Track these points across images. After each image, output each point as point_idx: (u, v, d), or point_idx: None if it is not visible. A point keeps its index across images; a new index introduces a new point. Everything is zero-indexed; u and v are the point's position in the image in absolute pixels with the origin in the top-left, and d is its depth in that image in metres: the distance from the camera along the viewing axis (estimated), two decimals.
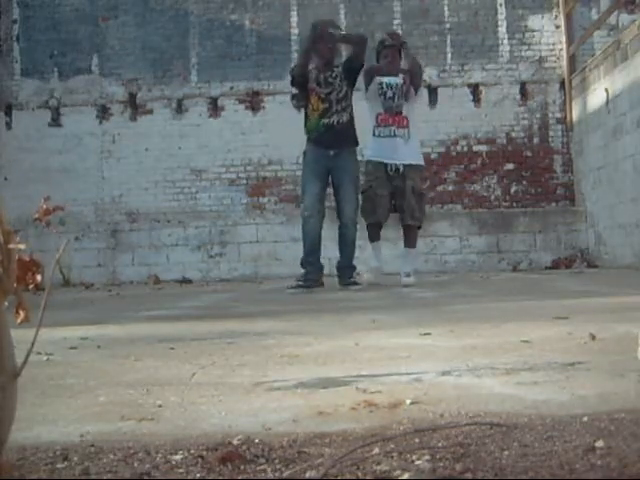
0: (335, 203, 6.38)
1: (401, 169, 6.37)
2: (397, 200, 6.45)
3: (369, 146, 6.54)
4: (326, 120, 6.27)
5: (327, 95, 6.30)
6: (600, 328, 2.40)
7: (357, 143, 6.40)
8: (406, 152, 6.42)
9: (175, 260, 10.12)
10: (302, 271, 6.24)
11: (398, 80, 6.52)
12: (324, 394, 1.55)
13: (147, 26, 10.65)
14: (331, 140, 6.25)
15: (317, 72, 6.38)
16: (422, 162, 6.73)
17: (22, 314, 0.99)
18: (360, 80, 6.50)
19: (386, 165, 6.39)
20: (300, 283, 6.10)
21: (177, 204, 10.47)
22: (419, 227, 6.63)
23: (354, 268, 6.40)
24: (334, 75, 6.36)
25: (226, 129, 10.50)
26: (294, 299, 5.22)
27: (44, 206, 1.04)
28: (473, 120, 10.40)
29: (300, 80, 6.39)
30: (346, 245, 6.40)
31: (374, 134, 6.47)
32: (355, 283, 6.23)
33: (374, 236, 6.57)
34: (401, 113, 6.46)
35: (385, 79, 6.52)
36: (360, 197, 6.44)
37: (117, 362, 2.17)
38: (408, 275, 6.44)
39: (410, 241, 6.61)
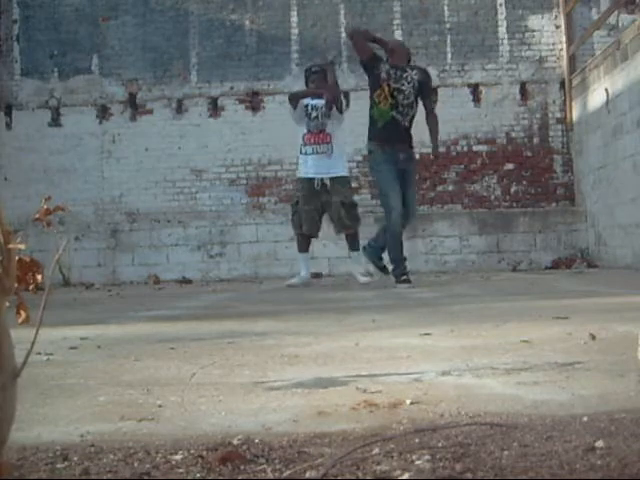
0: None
1: (328, 184, 6.95)
2: (328, 213, 7.05)
3: (299, 163, 7.23)
4: (394, 113, 6.28)
5: (393, 93, 6.28)
6: (600, 328, 2.40)
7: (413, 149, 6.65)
8: (330, 165, 7.00)
9: (175, 260, 10.12)
10: (397, 268, 6.38)
11: (322, 101, 7.07)
12: (324, 394, 1.55)
13: (147, 26, 10.65)
14: (398, 140, 6.30)
15: (389, 69, 6.38)
16: (346, 173, 7.25)
17: (23, 314, 0.99)
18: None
19: (313, 181, 6.99)
20: (405, 278, 6.25)
21: (177, 204, 10.47)
22: (355, 232, 7.09)
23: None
24: (408, 79, 6.36)
25: (226, 129, 10.50)
26: (294, 299, 5.22)
27: (45, 206, 1.04)
28: (473, 120, 10.40)
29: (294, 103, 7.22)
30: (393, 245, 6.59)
31: (300, 152, 7.14)
32: (409, 281, 6.24)
33: (302, 247, 7.18)
34: (324, 131, 7.08)
35: (312, 102, 7.14)
36: (290, 211, 7.27)
37: (117, 362, 2.17)
38: (365, 275, 6.79)
39: (352, 245, 7.09)
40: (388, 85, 6.31)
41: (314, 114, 7.11)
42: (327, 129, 7.08)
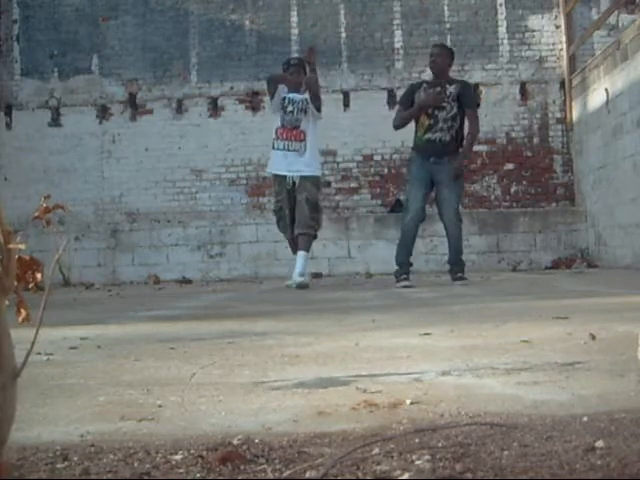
0: (436, 205, 6.77)
1: (297, 182, 6.75)
2: (294, 211, 6.84)
3: (271, 158, 7.05)
4: (429, 135, 6.58)
5: (434, 112, 6.57)
6: (600, 328, 2.40)
7: (458, 153, 6.67)
8: (300, 164, 6.79)
9: (175, 260, 10.12)
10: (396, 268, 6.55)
11: (301, 96, 6.87)
12: (324, 394, 1.55)
13: (147, 26, 10.65)
14: (431, 152, 6.58)
15: (428, 88, 6.66)
16: (318, 173, 7.05)
17: (23, 313, 0.99)
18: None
19: (285, 178, 6.81)
20: (405, 281, 6.35)
21: (177, 204, 10.48)
22: (314, 236, 6.96)
23: (463, 264, 6.67)
24: (447, 94, 6.58)
25: (226, 129, 10.50)
26: (294, 299, 5.22)
27: (44, 204, 1.04)
28: None
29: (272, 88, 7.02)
30: (449, 243, 6.75)
31: (273, 147, 6.95)
32: (462, 278, 6.47)
33: (294, 249, 6.98)
34: (298, 127, 6.83)
35: (290, 95, 6.89)
36: (274, 215, 7.15)
37: (117, 362, 2.17)
38: (301, 275, 6.60)
39: (302, 245, 6.82)
40: (425, 112, 6.62)
41: (290, 108, 6.85)
42: (302, 126, 6.82)
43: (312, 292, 5.94)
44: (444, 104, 6.56)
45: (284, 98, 6.86)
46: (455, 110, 6.60)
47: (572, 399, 1.40)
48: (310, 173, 6.86)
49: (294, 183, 6.76)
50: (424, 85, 6.75)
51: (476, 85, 10.46)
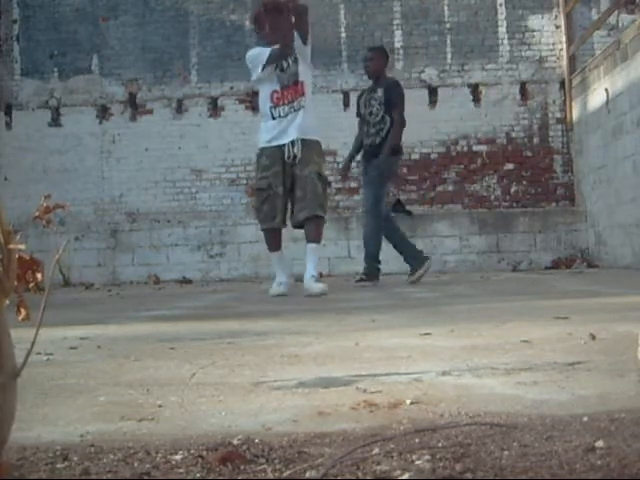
0: None
1: (298, 152, 5.53)
2: (295, 189, 5.59)
3: (263, 131, 5.73)
4: (365, 141, 6.80)
5: (367, 118, 6.75)
6: (600, 328, 2.40)
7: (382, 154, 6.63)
8: (301, 126, 5.59)
9: (175, 260, 10.12)
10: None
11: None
12: (324, 394, 1.55)
13: (147, 26, 10.65)
14: (366, 156, 6.84)
15: (367, 94, 6.84)
16: (319, 136, 5.80)
17: (23, 312, 0.99)
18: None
19: (283, 148, 5.57)
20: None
21: (177, 204, 10.47)
22: (324, 219, 5.79)
23: (368, 265, 6.63)
24: (376, 98, 6.74)
25: (226, 129, 10.50)
26: (294, 299, 5.21)
27: (44, 204, 1.04)
28: (473, 120, 10.40)
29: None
30: (363, 241, 6.81)
31: (272, 117, 5.63)
32: (361, 280, 6.59)
33: (275, 244, 5.75)
34: (298, 80, 5.68)
35: (274, 48, 5.70)
36: (255, 197, 5.92)
37: (117, 362, 2.17)
38: (317, 280, 5.54)
39: (317, 235, 5.64)
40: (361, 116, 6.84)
41: (285, 63, 5.69)
42: (300, 77, 5.68)
43: (383, 287, 5.93)
44: (372, 109, 6.71)
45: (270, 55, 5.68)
46: (382, 113, 6.72)
47: (572, 399, 1.40)
48: (314, 136, 5.70)
49: (295, 156, 5.54)
50: (364, 93, 6.97)
51: (476, 85, 10.48)
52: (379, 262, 6.75)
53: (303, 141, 5.58)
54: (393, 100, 6.74)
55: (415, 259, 6.70)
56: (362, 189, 7.09)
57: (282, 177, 5.57)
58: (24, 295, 0.99)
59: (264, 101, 5.72)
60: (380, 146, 6.66)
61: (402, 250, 6.75)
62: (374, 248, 6.61)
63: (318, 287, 5.40)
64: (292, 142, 5.55)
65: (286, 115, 5.61)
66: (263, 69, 5.65)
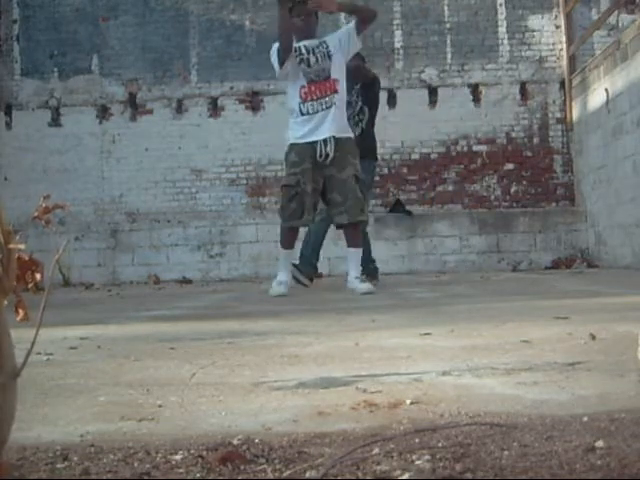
0: None
1: (331, 154, 5.31)
2: (329, 192, 5.42)
3: (293, 127, 5.53)
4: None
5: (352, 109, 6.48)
6: (600, 328, 2.40)
7: (365, 155, 6.09)
8: (336, 123, 5.40)
9: (175, 260, 10.12)
10: None
11: (316, 41, 5.55)
12: (324, 394, 1.55)
13: (147, 26, 10.65)
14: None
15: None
16: (351, 133, 5.63)
17: (21, 312, 0.99)
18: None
19: (315, 146, 5.36)
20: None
21: (177, 204, 10.48)
22: (367, 223, 5.77)
23: (303, 263, 6.32)
24: (353, 92, 6.45)
25: (226, 129, 10.50)
26: (294, 299, 5.22)
27: (43, 204, 1.04)
28: (473, 120, 10.40)
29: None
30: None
31: (301, 113, 5.42)
32: (296, 279, 6.15)
33: (289, 242, 5.57)
34: (329, 77, 5.42)
35: (302, 43, 5.51)
36: (282, 194, 5.58)
37: (117, 362, 2.17)
38: (363, 280, 5.51)
39: (355, 240, 5.53)
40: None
41: (312, 59, 5.44)
42: (332, 74, 5.42)
43: (312, 292, 5.94)
44: (351, 98, 6.38)
45: (297, 49, 5.47)
46: (361, 103, 6.52)
47: (572, 399, 1.40)
48: (346, 133, 5.48)
49: (327, 156, 5.32)
50: None
51: (476, 85, 10.48)
52: (374, 261, 6.66)
53: (337, 140, 5.37)
54: (369, 94, 6.58)
55: (307, 265, 6.37)
56: None
57: (312, 175, 5.36)
58: (22, 295, 0.99)
59: (292, 97, 5.50)
60: (361, 137, 6.23)
61: (308, 249, 6.38)
62: (366, 247, 6.35)
63: (365, 286, 5.32)
64: (324, 140, 5.34)
65: (316, 112, 5.38)
66: (281, 66, 5.47)
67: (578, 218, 10.02)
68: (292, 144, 5.47)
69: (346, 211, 5.38)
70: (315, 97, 5.39)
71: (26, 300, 1.01)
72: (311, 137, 5.36)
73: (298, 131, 5.43)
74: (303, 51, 5.46)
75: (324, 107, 5.37)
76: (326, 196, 5.48)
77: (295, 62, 5.45)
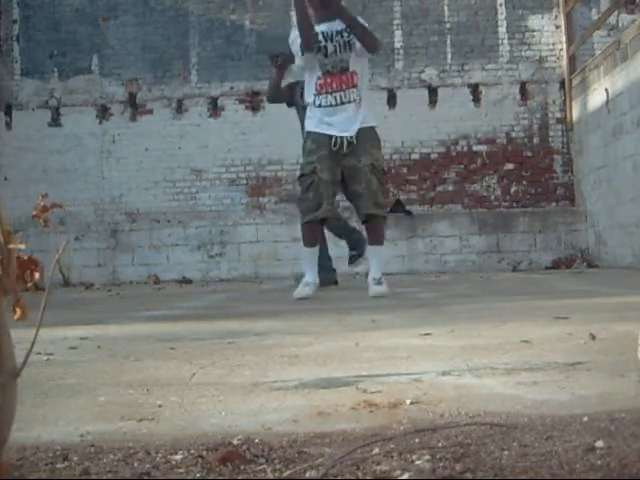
0: None
1: (351, 142, 5.01)
2: (350, 184, 5.11)
3: (310, 117, 5.20)
4: None
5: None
6: (600, 328, 2.40)
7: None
8: (356, 119, 5.07)
9: (175, 260, 10.12)
10: None
11: (337, 26, 5.09)
12: (324, 394, 1.55)
13: (147, 26, 10.66)
14: None
15: None
16: (375, 123, 5.26)
17: (19, 312, 0.99)
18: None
19: (330, 137, 5.04)
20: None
21: (177, 204, 10.48)
22: (384, 217, 5.29)
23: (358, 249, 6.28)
24: None
25: (226, 129, 10.50)
26: (294, 299, 5.21)
27: (42, 203, 1.04)
28: (473, 120, 10.40)
29: None
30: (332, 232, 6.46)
31: (316, 105, 5.11)
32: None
33: (311, 239, 5.18)
34: (348, 69, 5.05)
35: (321, 27, 5.09)
36: (299, 185, 5.26)
37: (117, 362, 2.17)
38: (379, 283, 5.06)
39: (376, 236, 5.19)
40: None
41: (330, 47, 5.04)
42: (351, 66, 5.05)
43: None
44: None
45: (315, 35, 5.06)
46: None
47: (572, 399, 1.40)
48: (367, 124, 5.10)
49: (348, 142, 5.00)
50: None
51: (476, 85, 10.48)
52: (330, 259, 6.51)
53: (361, 133, 5.03)
54: None
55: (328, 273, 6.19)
56: None
57: (329, 162, 5.00)
58: (22, 295, 0.99)
59: (309, 88, 5.16)
60: None
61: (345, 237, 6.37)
62: (322, 246, 5.81)
63: (377, 289, 4.99)
64: (345, 137, 5.01)
65: (330, 105, 5.03)
66: (302, 56, 5.08)
67: (578, 218, 10.02)
68: (309, 132, 5.15)
69: (361, 205, 5.11)
70: (331, 90, 5.03)
71: (26, 300, 1.01)
72: (327, 130, 5.04)
73: (314, 121, 5.11)
74: (320, 38, 5.04)
75: (340, 101, 5.03)
76: (347, 188, 5.17)
77: (313, 51, 5.06)
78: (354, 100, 5.03)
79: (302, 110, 5.92)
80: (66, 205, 1.07)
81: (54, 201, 1.06)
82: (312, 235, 5.15)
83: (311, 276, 5.09)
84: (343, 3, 5.25)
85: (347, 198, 5.36)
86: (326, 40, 5.04)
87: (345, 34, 5.04)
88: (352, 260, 6.42)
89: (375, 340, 2.49)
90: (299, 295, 4.97)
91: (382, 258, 5.33)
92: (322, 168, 4.99)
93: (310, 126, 5.14)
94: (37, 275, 0.98)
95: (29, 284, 0.98)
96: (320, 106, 5.05)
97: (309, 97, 5.17)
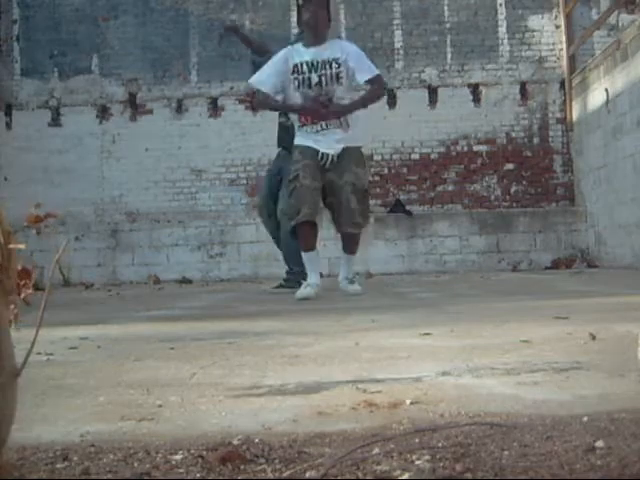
0: None
1: (334, 159, 5.00)
2: (330, 198, 5.13)
3: (297, 134, 5.20)
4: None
5: None
6: (600, 328, 2.40)
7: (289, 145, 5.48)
8: (340, 140, 5.03)
9: (175, 260, 10.12)
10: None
11: (326, 53, 4.93)
12: (324, 394, 1.55)
13: (147, 26, 10.66)
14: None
15: None
16: (363, 142, 5.31)
17: (13, 315, 0.99)
18: None
19: (317, 151, 5.02)
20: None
21: (177, 204, 10.48)
22: (359, 233, 5.30)
23: (291, 271, 5.95)
24: None
25: (226, 129, 10.50)
26: (294, 300, 5.21)
27: (35, 213, 1.04)
28: (473, 120, 10.40)
29: None
30: (281, 240, 5.97)
31: (300, 129, 5.13)
32: (280, 286, 5.93)
33: (308, 242, 5.14)
34: (331, 102, 4.94)
35: (305, 56, 4.92)
36: (286, 191, 5.26)
37: (117, 362, 2.17)
38: (352, 282, 5.26)
39: (350, 248, 5.31)
40: None
41: (315, 78, 4.89)
42: (336, 98, 4.94)
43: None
44: None
45: (296, 66, 4.90)
46: None
47: (572, 399, 1.40)
48: (353, 143, 5.07)
49: (331, 159, 4.99)
50: None
51: (476, 85, 10.48)
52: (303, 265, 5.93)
53: (343, 150, 5.03)
54: None
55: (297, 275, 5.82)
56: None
57: (312, 170, 4.98)
58: (16, 299, 0.99)
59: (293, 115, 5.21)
60: (291, 128, 5.49)
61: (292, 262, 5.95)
62: (293, 247, 5.67)
63: (352, 288, 5.20)
64: (328, 154, 5.01)
65: (316, 132, 5.02)
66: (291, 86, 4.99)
67: (578, 218, 10.02)
68: (296, 145, 5.16)
69: (339, 222, 5.16)
70: (314, 121, 5.01)
71: (26, 300, 1.01)
72: (314, 145, 5.03)
73: (301, 139, 5.12)
74: (304, 69, 4.92)
75: (325, 127, 5.01)
76: (325, 199, 5.20)
77: (292, 85, 4.97)
78: (339, 126, 5.00)
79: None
80: (60, 213, 1.08)
81: (49, 208, 1.05)
82: (306, 238, 5.12)
83: (313, 277, 5.10)
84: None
85: (325, 206, 5.30)
86: (310, 71, 4.91)
87: (335, 65, 4.90)
88: (282, 284, 6.01)
89: (375, 340, 2.49)
90: (301, 296, 4.95)
91: (353, 264, 5.45)
92: (305, 175, 4.97)
93: (298, 141, 5.13)
94: (29, 291, 0.98)
95: (22, 296, 0.98)
96: (306, 132, 5.05)
97: (293, 119, 5.19)
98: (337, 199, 5.06)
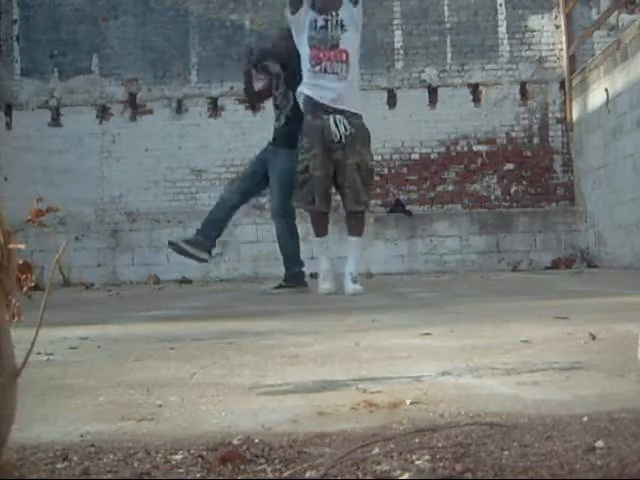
0: None
1: (340, 136, 5.19)
2: (338, 179, 5.37)
3: (303, 82, 5.41)
4: (275, 123, 6.16)
5: (276, 98, 6.07)
6: (600, 328, 2.40)
7: (292, 145, 5.65)
8: (342, 94, 5.25)
9: (175, 260, 10.09)
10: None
11: (333, 13, 5.36)
12: (324, 394, 1.55)
13: (147, 26, 10.66)
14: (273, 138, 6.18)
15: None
16: (362, 111, 5.45)
17: (15, 314, 0.99)
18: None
19: (323, 130, 5.23)
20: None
21: (177, 204, 10.48)
22: (364, 212, 5.55)
23: (288, 271, 6.07)
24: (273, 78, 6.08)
25: (226, 129, 10.50)
26: (294, 299, 5.22)
27: (37, 207, 1.04)
28: (473, 120, 10.40)
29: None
30: (277, 241, 6.20)
31: (308, 73, 5.33)
32: (280, 286, 6.00)
33: (321, 228, 5.50)
34: (337, 46, 5.27)
35: (321, 17, 5.35)
36: (297, 181, 5.44)
37: (117, 362, 2.17)
38: (355, 281, 5.33)
39: (355, 229, 5.50)
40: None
41: (321, 23, 5.27)
42: (341, 44, 5.27)
43: (312, 292, 5.94)
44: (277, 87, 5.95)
45: (312, 21, 5.35)
46: (283, 89, 5.91)
47: (572, 399, 1.40)
48: (361, 120, 5.35)
49: (337, 136, 5.19)
50: None
51: (476, 85, 10.48)
52: (302, 264, 6.16)
53: (349, 121, 5.24)
54: (286, 73, 5.85)
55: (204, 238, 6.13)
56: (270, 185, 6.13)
57: (321, 160, 5.26)
58: (17, 297, 0.99)
59: (304, 64, 5.36)
60: (287, 126, 5.80)
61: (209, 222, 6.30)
62: (292, 245, 6.05)
63: (352, 288, 5.26)
64: (335, 120, 5.19)
65: (322, 72, 5.24)
66: (293, 13, 5.35)
67: (578, 218, 10.02)
68: (305, 123, 5.36)
69: (346, 202, 5.42)
70: (320, 59, 5.24)
71: (25, 300, 1.01)
72: (320, 92, 5.23)
73: (307, 89, 5.31)
74: (314, 15, 5.32)
75: (332, 71, 5.22)
76: (336, 182, 5.42)
77: (305, 26, 5.31)
78: (345, 78, 5.25)
79: (276, 109, 6.08)
80: (61, 208, 1.08)
81: (50, 204, 1.06)
82: (319, 225, 5.50)
83: (325, 264, 5.58)
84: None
85: (337, 191, 5.54)
86: (319, 15, 5.30)
87: (340, 18, 5.28)
88: (282, 284, 6.11)
89: (375, 340, 2.49)
90: (326, 291, 5.41)
91: (360, 253, 5.70)
92: (315, 166, 5.27)
93: (304, 88, 5.35)
94: (31, 283, 0.98)
95: (24, 289, 0.98)
96: (314, 72, 5.27)
97: (304, 71, 5.36)
98: (342, 178, 5.32)
